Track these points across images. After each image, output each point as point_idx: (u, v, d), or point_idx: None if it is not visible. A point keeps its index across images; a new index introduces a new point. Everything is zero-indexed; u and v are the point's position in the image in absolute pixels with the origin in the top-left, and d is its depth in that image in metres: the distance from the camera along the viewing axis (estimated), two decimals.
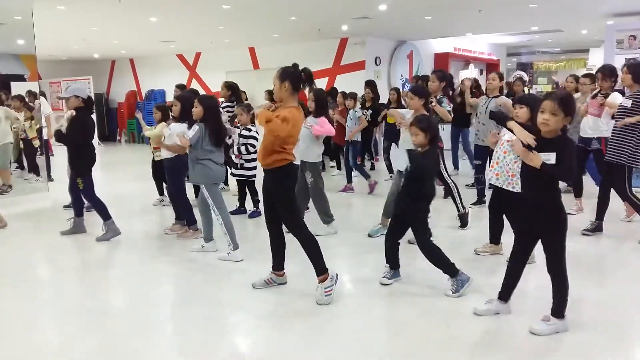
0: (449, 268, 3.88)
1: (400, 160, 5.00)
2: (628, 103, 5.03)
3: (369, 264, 4.60)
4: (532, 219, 3.24)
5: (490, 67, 16.79)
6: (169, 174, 5.60)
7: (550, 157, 3.04)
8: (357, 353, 3.09)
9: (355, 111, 7.71)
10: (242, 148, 6.13)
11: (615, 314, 3.56)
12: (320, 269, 3.80)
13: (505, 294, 3.50)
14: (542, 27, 12.22)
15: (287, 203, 3.83)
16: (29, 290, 4.22)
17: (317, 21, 10.19)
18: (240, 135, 6.27)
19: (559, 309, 3.26)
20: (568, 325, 3.27)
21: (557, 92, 3.24)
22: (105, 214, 5.46)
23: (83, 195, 5.54)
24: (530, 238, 3.35)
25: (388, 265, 4.15)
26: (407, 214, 3.97)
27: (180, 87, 7.99)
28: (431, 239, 4.09)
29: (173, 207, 5.81)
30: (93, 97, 6.95)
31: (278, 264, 4.09)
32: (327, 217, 5.52)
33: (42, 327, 3.57)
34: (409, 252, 4.42)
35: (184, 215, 5.62)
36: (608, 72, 5.56)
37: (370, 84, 9.08)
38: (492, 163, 4.37)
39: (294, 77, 3.69)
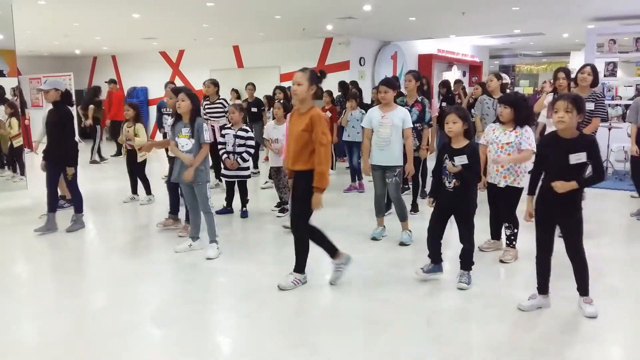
0: (471, 262, 4.06)
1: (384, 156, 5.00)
2: (591, 106, 5.16)
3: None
4: (552, 207, 3.42)
5: (473, 69, 16.96)
6: None
7: (581, 157, 3.31)
8: (338, 353, 3.10)
9: (362, 112, 7.66)
10: (244, 154, 6.08)
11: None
12: (300, 267, 4.06)
13: (543, 288, 3.62)
14: (524, 30, 12.38)
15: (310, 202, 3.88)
16: (7, 289, 4.14)
17: (302, 20, 10.18)
18: (236, 137, 6.11)
19: (582, 287, 3.52)
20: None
21: (568, 93, 3.58)
22: (80, 207, 5.71)
23: (69, 185, 5.63)
24: (551, 226, 3.51)
25: (430, 259, 4.20)
26: (465, 206, 4.00)
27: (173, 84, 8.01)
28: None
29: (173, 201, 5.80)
30: (73, 94, 6.89)
31: (332, 251, 4.12)
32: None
33: (20, 326, 3.51)
34: (396, 251, 4.45)
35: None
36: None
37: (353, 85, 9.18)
38: (496, 167, 4.47)
39: (319, 83, 3.90)
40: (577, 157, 3.31)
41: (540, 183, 3.56)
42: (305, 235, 4.01)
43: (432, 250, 4.17)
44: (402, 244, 5.06)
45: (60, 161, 5.48)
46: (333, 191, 7.73)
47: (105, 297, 4.01)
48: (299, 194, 3.92)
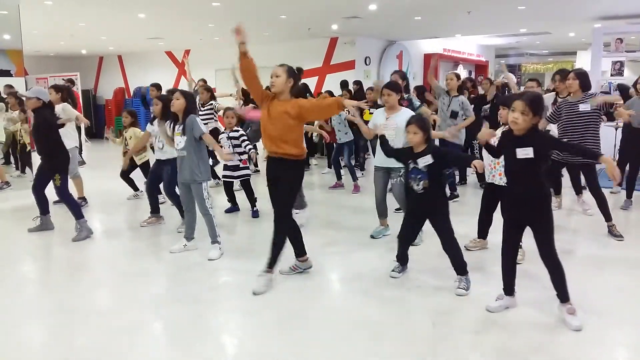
0: (464, 266, 3.93)
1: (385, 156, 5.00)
2: (587, 107, 5.15)
3: (354, 263, 4.61)
4: (520, 209, 3.36)
5: (479, 68, 16.91)
6: (174, 175, 5.33)
7: (528, 152, 3.20)
8: (342, 353, 3.09)
9: (339, 115, 7.59)
10: (251, 151, 6.14)
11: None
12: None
13: (509, 289, 3.60)
14: (531, 29, 12.34)
15: (294, 193, 4.07)
16: (11, 289, 4.16)
17: (307, 20, 10.19)
18: (229, 138, 6.16)
19: (562, 294, 3.37)
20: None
21: (528, 93, 3.39)
22: (78, 213, 5.42)
23: (58, 193, 5.45)
24: (518, 228, 3.46)
25: (398, 262, 4.25)
26: (437, 208, 3.92)
27: (156, 86, 8.23)
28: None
29: (151, 202, 5.92)
30: (80, 94, 6.92)
31: (300, 250, 4.30)
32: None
33: (25, 326, 3.53)
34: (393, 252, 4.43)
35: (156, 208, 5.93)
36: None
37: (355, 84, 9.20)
38: (492, 164, 4.47)
39: (298, 79, 4.04)
40: (524, 152, 3.22)
41: (507, 185, 3.54)
42: (288, 227, 4.07)
43: (401, 255, 4.23)
44: None
45: (50, 167, 5.36)
46: (338, 191, 7.73)
47: (109, 297, 4.03)
48: (285, 184, 3.98)
